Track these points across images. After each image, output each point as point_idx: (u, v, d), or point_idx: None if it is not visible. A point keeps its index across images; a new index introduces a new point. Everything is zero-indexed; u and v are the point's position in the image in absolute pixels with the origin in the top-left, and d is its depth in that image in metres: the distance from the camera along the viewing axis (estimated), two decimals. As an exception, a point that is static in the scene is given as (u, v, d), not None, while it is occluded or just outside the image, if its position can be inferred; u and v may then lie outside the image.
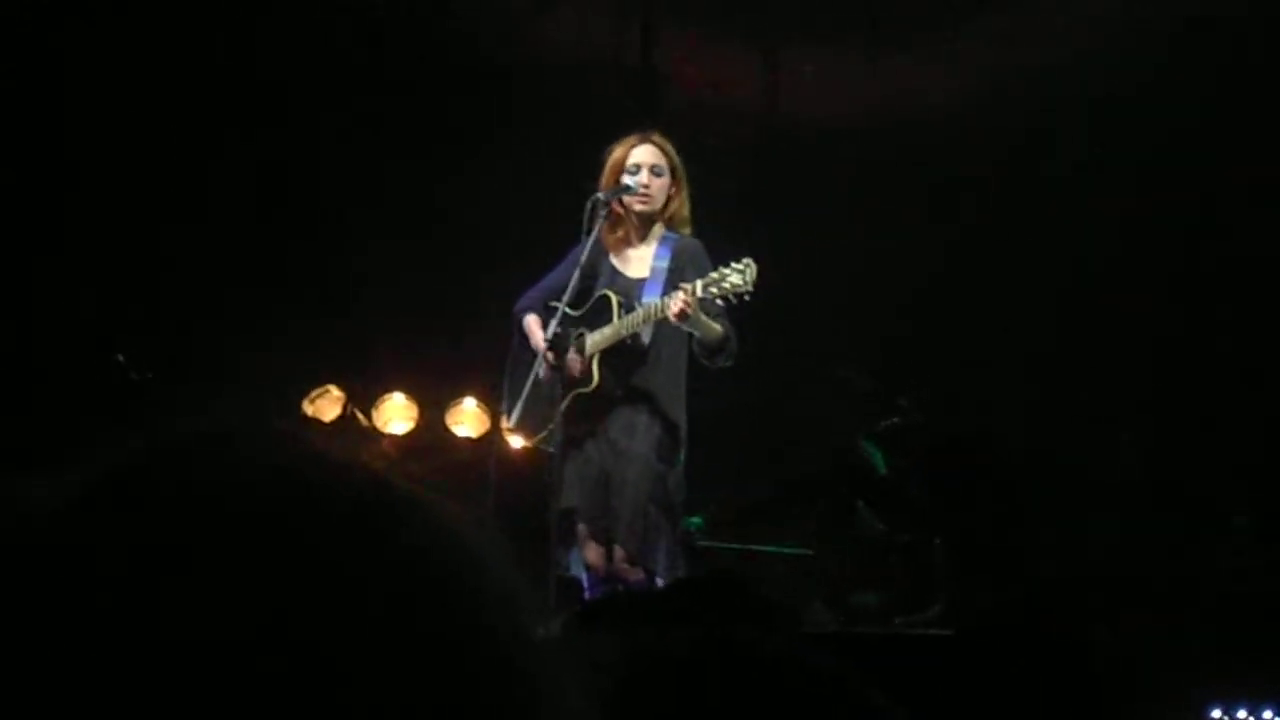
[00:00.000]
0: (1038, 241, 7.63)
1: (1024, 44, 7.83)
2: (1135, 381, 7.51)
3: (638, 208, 5.89)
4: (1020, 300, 7.63)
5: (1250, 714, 5.73)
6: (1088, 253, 7.61)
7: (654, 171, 5.88)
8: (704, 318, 5.59)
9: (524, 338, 5.99)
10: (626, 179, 5.85)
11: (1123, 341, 7.54)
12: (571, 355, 5.80)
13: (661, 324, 5.71)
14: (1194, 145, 7.49)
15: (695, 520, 7.06)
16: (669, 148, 5.93)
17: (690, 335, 5.73)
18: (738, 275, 5.43)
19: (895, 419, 7.29)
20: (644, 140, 5.92)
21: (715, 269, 5.54)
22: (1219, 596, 6.42)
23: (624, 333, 5.78)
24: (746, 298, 5.42)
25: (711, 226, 6.03)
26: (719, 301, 5.49)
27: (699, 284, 5.49)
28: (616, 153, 5.91)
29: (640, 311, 5.73)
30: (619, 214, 5.93)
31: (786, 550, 7.28)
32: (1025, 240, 7.65)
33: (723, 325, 5.67)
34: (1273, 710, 5.71)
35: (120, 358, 7.33)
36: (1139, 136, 7.59)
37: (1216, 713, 5.70)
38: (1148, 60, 7.59)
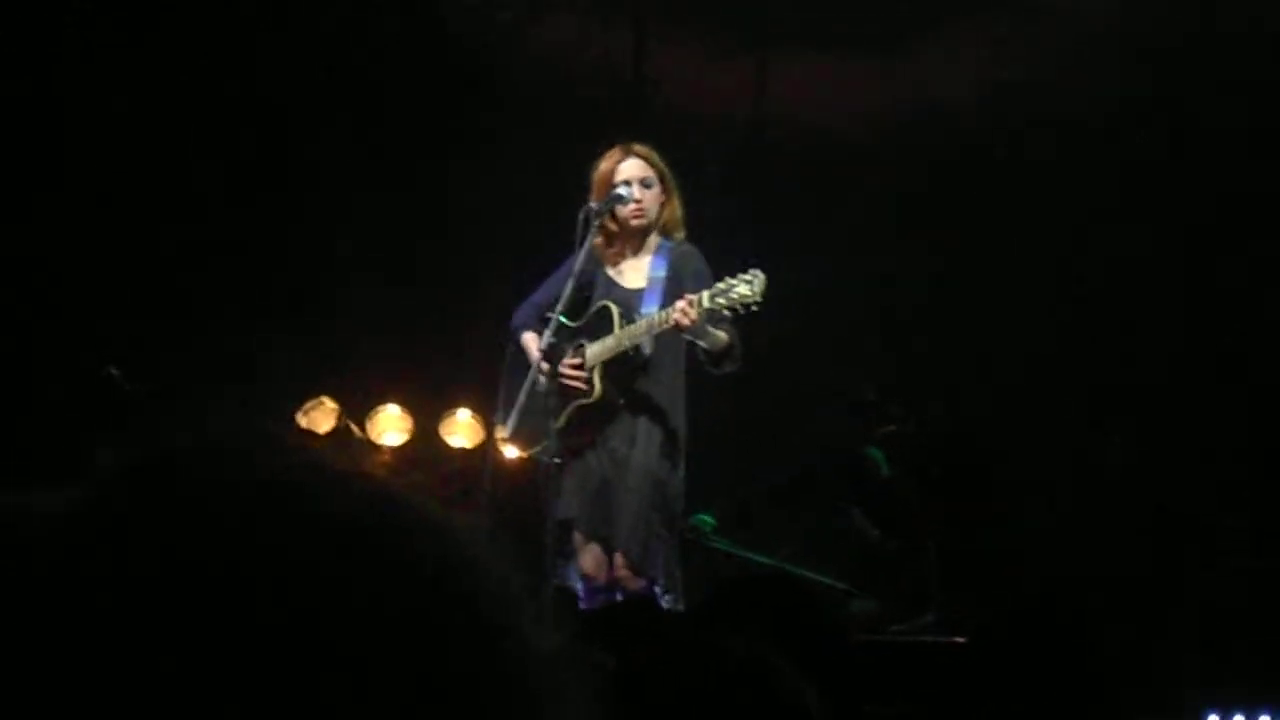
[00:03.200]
0: (1034, 248, 7.63)
1: (1021, 46, 7.82)
2: (1129, 389, 7.50)
3: (633, 223, 5.84)
4: (1016, 307, 7.63)
5: (1246, 719, 5.72)
6: (1083, 260, 7.61)
7: (644, 184, 5.82)
8: (709, 327, 5.53)
9: (520, 350, 5.95)
10: (620, 190, 5.79)
11: (1117, 347, 7.53)
12: (570, 368, 5.76)
13: (662, 333, 5.66)
14: (1196, 148, 7.49)
15: (706, 518, 7.01)
16: (654, 156, 5.86)
17: (691, 343, 5.69)
18: (746, 286, 5.35)
19: (890, 427, 7.28)
20: (627, 154, 5.84)
21: (720, 278, 5.48)
22: (1215, 601, 6.42)
23: (626, 344, 5.73)
24: (755, 309, 5.37)
25: (704, 234, 6.00)
26: (725, 311, 5.45)
27: (706, 295, 5.42)
28: (602, 168, 5.84)
29: (643, 322, 5.68)
30: (612, 231, 5.88)
31: (784, 564, 7.20)
32: (1021, 247, 7.65)
33: (728, 332, 5.61)
34: (1269, 715, 5.70)
35: (113, 370, 7.31)
36: (1139, 140, 7.59)
37: (1213, 718, 5.69)
38: (1147, 62, 7.59)
